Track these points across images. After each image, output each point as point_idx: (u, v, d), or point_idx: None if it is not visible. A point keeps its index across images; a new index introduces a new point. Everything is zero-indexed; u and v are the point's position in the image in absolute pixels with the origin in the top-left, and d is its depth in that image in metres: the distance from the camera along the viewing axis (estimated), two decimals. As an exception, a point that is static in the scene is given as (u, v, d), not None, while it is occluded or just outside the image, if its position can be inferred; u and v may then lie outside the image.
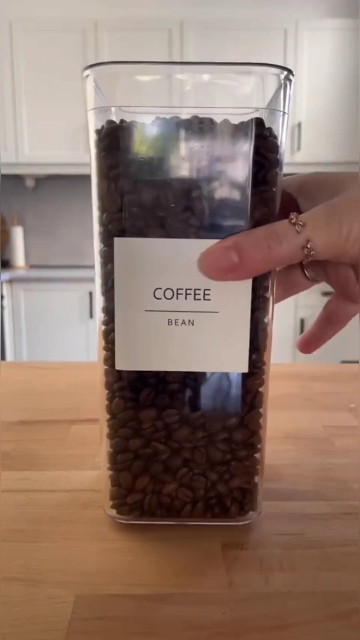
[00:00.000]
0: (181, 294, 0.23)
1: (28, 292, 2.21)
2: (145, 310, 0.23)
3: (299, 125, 2.26)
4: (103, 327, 0.25)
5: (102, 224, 0.24)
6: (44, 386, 0.50)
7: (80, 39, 2.20)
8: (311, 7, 2.33)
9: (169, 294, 0.23)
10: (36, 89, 2.22)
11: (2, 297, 2.17)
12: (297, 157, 2.28)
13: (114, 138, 0.23)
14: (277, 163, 0.23)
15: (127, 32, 2.19)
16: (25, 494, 0.29)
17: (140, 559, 0.24)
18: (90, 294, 2.18)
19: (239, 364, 0.24)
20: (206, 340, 0.24)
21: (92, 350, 2.16)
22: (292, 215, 0.22)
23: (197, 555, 0.24)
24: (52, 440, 0.36)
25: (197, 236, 0.23)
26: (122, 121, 0.22)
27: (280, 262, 0.22)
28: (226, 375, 0.24)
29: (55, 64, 2.17)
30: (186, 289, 0.23)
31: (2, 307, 2.18)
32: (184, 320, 0.23)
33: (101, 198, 0.24)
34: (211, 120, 0.22)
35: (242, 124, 0.22)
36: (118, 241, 0.23)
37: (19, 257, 2.48)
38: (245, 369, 0.24)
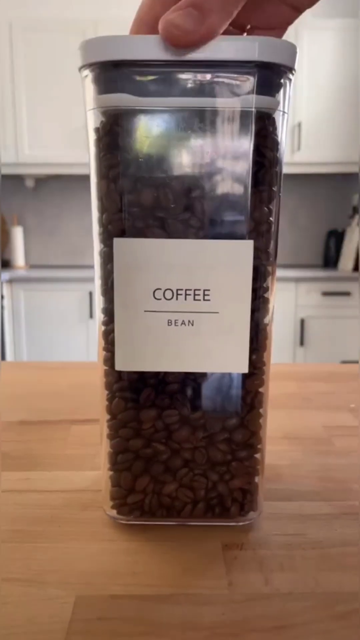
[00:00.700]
0: (181, 294, 0.23)
1: (28, 292, 2.21)
2: (145, 311, 0.23)
3: (299, 125, 2.26)
4: (103, 328, 0.25)
5: (102, 224, 0.24)
6: (44, 386, 0.50)
7: (80, 39, 2.19)
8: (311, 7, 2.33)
9: (168, 294, 0.23)
10: (36, 89, 2.22)
11: (2, 297, 2.17)
12: (297, 157, 2.28)
13: (113, 137, 0.22)
14: (278, 162, 0.23)
15: (128, 32, 2.19)
16: (25, 494, 0.29)
17: (141, 560, 0.24)
18: (90, 294, 2.18)
19: (239, 365, 0.24)
20: (206, 341, 0.24)
21: (92, 350, 2.17)
22: None
23: (198, 555, 0.24)
24: (52, 441, 0.36)
25: (197, 236, 0.23)
26: (121, 120, 0.22)
27: None
28: (226, 375, 0.24)
29: (55, 64, 2.17)
30: (186, 290, 0.23)
31: (2, 307, 2.18)
32: (183, 321, 0.23)
33: (100, 198, 0.24)
34: (211, 118, 0.22)
35: (242, 120, 0.22)
36: (117, 241, 0.23)
37: (19, 257, 2.48)
38: (245, 370, 0.24)
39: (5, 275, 2.21)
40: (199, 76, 0.22)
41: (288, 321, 2.18)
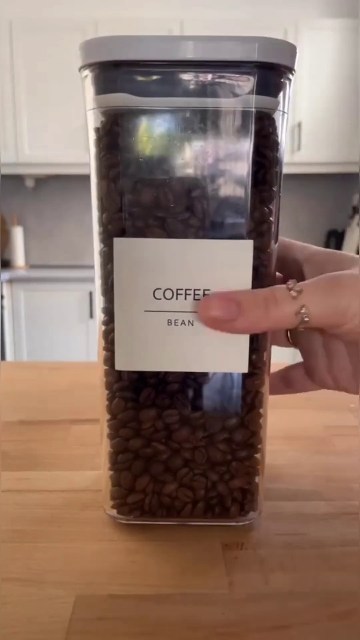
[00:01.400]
0: (181, 294, 0.23)
1: (28, 292, 2.21)
2: (145, 311, 0.23)
3: (299, 125, 2.26)
4: (103, 328, 0.25)
5: (102, 224, 0.24)
6: (44, 386, 0.50)
7: (80, 39, 2.19)
8: (311, 7, 2.33)
9: (168, 294, 0.23)
10: (36, 89, 2.22)
11: (2, 297, 2.17)
12: (297, 157, 2.28)
13: (113, 137, 0.22)
14: (278, 162, 0.23)
15: (128, 32, 2.19)
16: (26, 494, 0.29)
17: (141, 559, 0.24)
18: (90, 294, 2.18)
19: (239, 365, 0.24)
20: (206, 341, 0.24)
21: (92, 350, 2.16)
22: (290, 282, 0.23)
23: (198, 555, 0.24)
24: (52, 441, 0.36)
25: (197, 236, 0.23)
26: (121, 120, 0.22)
27: (276, 324, 0.23)
28: (226, 375, 0.24)
29: (55, 63, 2.17)
30: (186, 289, 0.23)
31: (2, 307, 2.18)
32: (183, 321, 0.23)
33: (100, 198, 0.24)
34: (211, 118, 0.22)
35: (242, 120, 0.22)
36: (117, 241, 0.23)
37: (19, 257, 2.48)
38: (245, 370, 0.24)
39: (5, 275, 2.21)
40: (199, 76, 0.22)
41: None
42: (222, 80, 0.22)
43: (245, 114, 0.22)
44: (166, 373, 0.24)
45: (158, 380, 0.24)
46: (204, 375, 0.24)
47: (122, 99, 0.22)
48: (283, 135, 0.24)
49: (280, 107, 0.23)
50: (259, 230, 0.23)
